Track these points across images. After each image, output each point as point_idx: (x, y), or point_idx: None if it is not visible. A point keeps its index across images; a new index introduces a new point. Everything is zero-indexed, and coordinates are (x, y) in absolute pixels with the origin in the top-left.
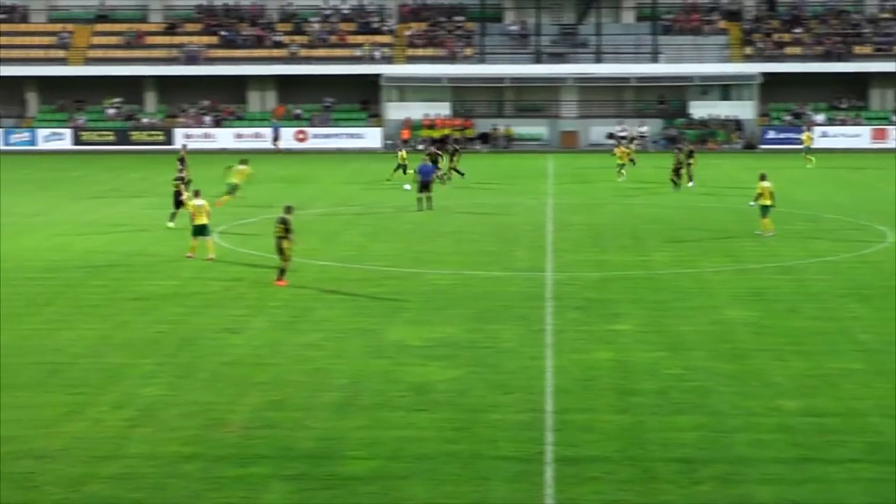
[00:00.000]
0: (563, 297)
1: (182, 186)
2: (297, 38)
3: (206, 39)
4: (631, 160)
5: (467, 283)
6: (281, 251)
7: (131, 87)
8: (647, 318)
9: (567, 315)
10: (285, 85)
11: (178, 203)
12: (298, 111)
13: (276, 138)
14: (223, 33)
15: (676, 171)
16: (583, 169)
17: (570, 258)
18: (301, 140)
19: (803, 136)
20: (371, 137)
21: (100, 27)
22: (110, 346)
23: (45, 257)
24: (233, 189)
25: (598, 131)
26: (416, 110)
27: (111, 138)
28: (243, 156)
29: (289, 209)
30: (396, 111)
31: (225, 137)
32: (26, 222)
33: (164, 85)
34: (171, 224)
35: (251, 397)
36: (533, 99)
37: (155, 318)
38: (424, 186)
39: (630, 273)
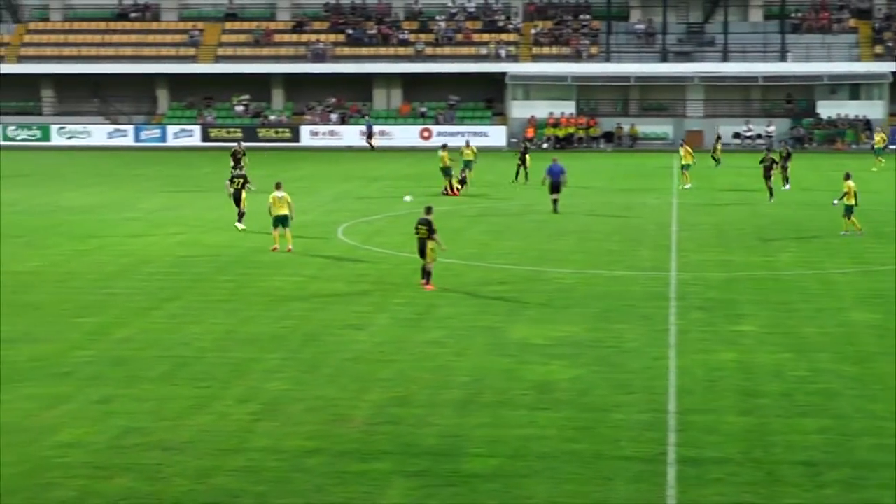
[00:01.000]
0: (686, 296)
1: (241, 184)
2: (422, 36)
3: (332, 37)
4: (715, 159)
5: (591, 282)
6: (424, 253)
7: (259, 85)
8: (771, 319)
9: (691, 315)
10: (410, 83)
11: (239, 201)
12: (423, 109)
13: (369, 136)
14: (350, 31)
15: (767, 174)
16: (708, 168)
17: (695, 258)
18: (425, 138)
19: (876, 138)
20: (495, 135)
21: (229, 25)
22: (236, 341)
23: (172, 252)
24: (465, 167)
25: (724, 131)
26: (540, 109)
27: (239, 135)
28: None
29: (429, 210)
30: (521, 109)
31: (350, 135)
32: (153, 218)
33: (292, 82)
34: (240, 226)
35: (374, 393)
36: (658, 98)
37: (280, 314)
38: (555, 188)
39: (755, 273)
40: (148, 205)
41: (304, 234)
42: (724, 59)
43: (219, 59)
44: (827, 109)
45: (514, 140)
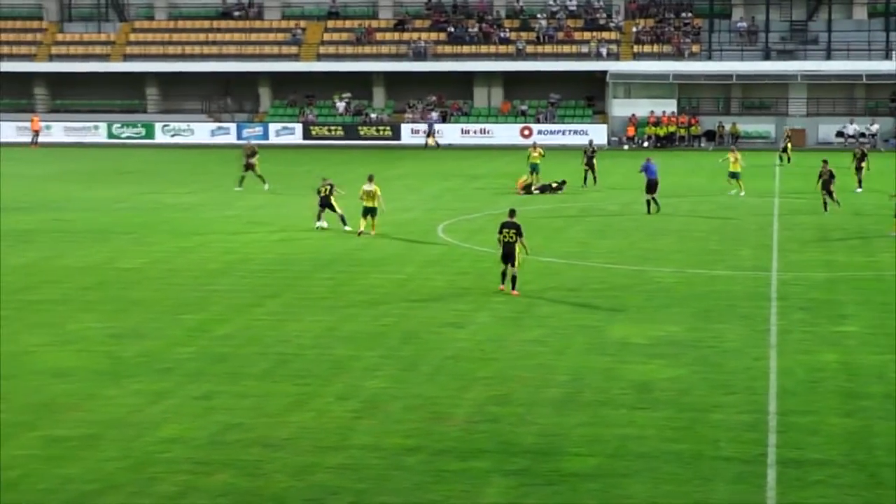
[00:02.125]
0: (788, 297)
1: (329, 191)
2: (523, 34)
3: (433, 36)
4: (782, 158)
5: (691, 281)
6: (512, 258)
7: (360, 83)
8: (874, 320)
9: (792, 315)
10: (511, 81)
11: (326, 203)
12: (524, 107)
13: (429, 134)
14: (451, 30)
15: (826, 186)
16: (811, 168)
17: (796, 258)
18: (525, 136)
19: None
20: (596, 134)
21: (331, 24)
22: (336, 339)
23: (272, 250)
24: (532, 171)
25: (826, 129)
26: (641, 107)
27: (340, 133)
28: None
29: (513, 212)
30: (622, 108)
31: (451, 133)
32: (253, 215)
33: (392, 80)
34: (322, 224)
35: (473, 392)
36: (760, 96)
37: (379, 312)
38: (651, 187)
39: (857, 274)
40: (249, 202)
41: (403, 233)
42: (828, 57)
43: (320, 57)
44: None
45: (614, 139)
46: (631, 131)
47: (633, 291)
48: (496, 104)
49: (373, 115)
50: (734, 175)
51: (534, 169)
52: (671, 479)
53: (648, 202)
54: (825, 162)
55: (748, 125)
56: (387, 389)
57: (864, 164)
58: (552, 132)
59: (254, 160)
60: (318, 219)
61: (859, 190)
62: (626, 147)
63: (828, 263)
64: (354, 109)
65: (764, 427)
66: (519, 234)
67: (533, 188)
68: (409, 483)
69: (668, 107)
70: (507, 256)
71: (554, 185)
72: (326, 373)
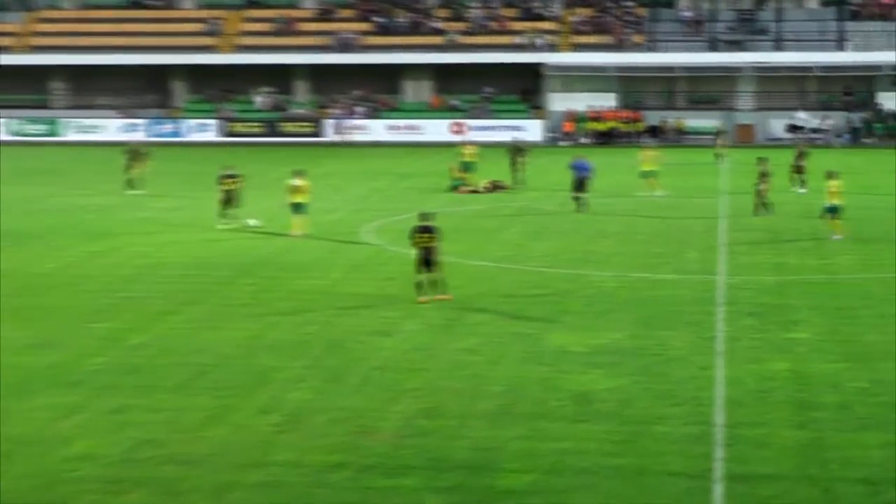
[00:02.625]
0: (736, 301)
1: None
2: (455, 24)
3: (360, 26)
4: (717, 156)
5: (633, 285)
6: (431, 263)
7: (282, 76)
8: (828, 326)
9: (741, 321)
10: (442, 74)
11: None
12: (455, 102)
13: (338, 130)
14: (378, 19)
15: (760, 192)
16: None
17: (745, 260)
18: (457, 132)
19: None
20: (532, 130)
21: (251, 13)
22: (257, 348)
23: (189, 253)
24: (464, 169)
25: (776, 124)
26: (580, 101)
27: (260, 129)
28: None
29: (426, 216)
30: (560, 102)
31: (378, 129)
32: (169, 217)
33: (316, 74)
34: (226, 224)
35: (402, 404)
36: (707, 90)
37: (304, 319)
38: (579, 185)
39: (809, 277)
40: (164, 203)
41: (329, 235)
42: (778, 48)
43: (240, 48)
44: (889, 101)
45: (551, 135)
46: (569, 127)
47: (571, 297)
48: (426, 99)
49: (295, 111)
50: (649, 174)
51: (467, 168)
52: (613, 495)
53: (576, 199)
54: (760, 160)
55: (694, 120)
56: (310, 402)
57: (803, 164)
58: (486, 128)
59: (138, 161)
60: (223, 216)
61: (802, 191)
62: (563, 143)
63: (778, 266)
64: (275, 104)
65: (711, 440)
66: (435, 238)
67: (463, 188)
68: (335, 501)
69: (609, 101)
70: (426, 262)
71: (483, 188)
72: (247, 385)
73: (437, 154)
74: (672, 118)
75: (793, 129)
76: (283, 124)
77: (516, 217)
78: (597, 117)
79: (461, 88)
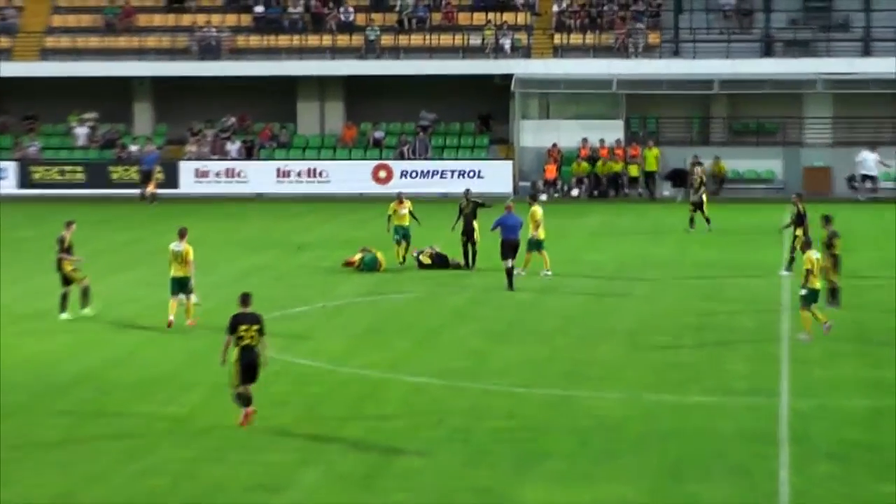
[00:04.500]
0: (808, 438)
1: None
2: (378, 17)
3: (230, 19)
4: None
5: (650, 413)
6: (253, 370)
7: (113, 95)
8: None
9: (815, 468)
10: (358, 92)
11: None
12: (379, 134)
13: (147, 179)
14: (259, 10)
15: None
16: (843, 230)
17: (821, 374)
18: (382, 181)
19: None
20: (495, 177)
21: (64, 2)
22: None
23: None
24: (400, 238)
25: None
26: (567, 133)
27: (80, 177)
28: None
29: (247, 299)
30: (536, 134)
31: (261, 176)
32: None
33: (165, 92)
34: (66, 315)
35: None
36: (758, 115)
37: (145, 467)
38: (509, 248)
39: None
40: None
41: (186, 337)
42: (865, 51)
43: (47, 54)
44: None
45: (523, 184)
46: (551, 172)
47: (556, 431)
48: (335, 129)
49: (133, 148)
50: (536, 245)
51: (403, 235)
52: None
53: (509, 274)
54: (827, 221)
55: (739, 161)
56: None
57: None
58: (425, 174)
59: None
60: (63, 309)
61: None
62: (543, 197)
63: (872, 384)
64: (104, 138)
65: None
66: (261, 331)
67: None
68: None
69: (611, 131)
70: (250, 368)
71: (421, 256)
72: None
73: (351, 213)
74: (706, 158)
75: (862, 179)
76: (114, 169)
77: (471, 307)
78: (591, 156)
79: (387, 114)
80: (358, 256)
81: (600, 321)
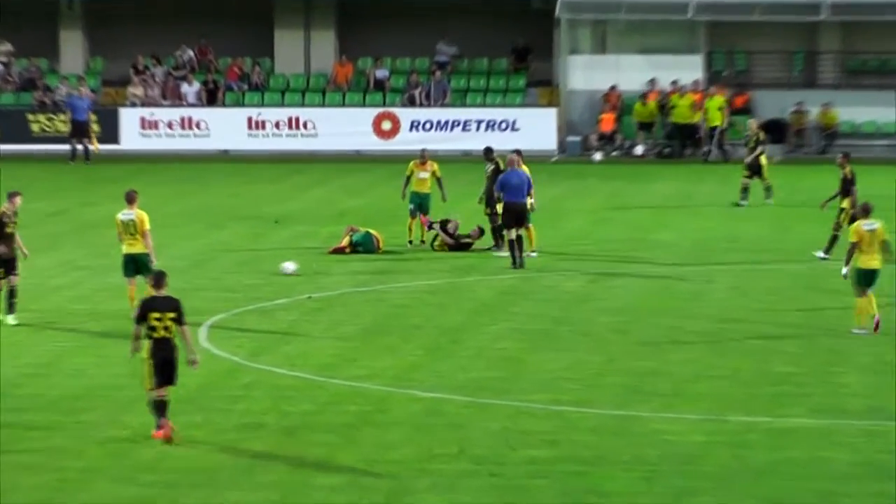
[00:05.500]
0: None
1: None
2: None
3: None
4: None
5: (737, 440)
6: (173, 370)
7: (34, 21)
8: None
9: None
10: (354, 18)
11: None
12: (382, 73)
13: (82, 132)
14: None
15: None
16: None
17: None
18: (386, 134)
19: None
20: (535, 130)
21: None
22: None
23: None
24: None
25: None
26: (630, 72)
27: None
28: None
29: (160, 279)
30: (589, 74)
31: (227, 127)
32: None
33: (101, 16)
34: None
35: None
36: (880, 49)
37: None
38: (514, 216)
39: None
40: None
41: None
42: None
43: None
44: None
45: (571, 139)
46: (607, 123)
47: (613, 463)
48: (323, 66)
49: (60, 90)
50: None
51: (419, 205)
52: None
53: (512, 247)
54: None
55: (856, 109)
56: None
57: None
58: (442, 126)
59: None
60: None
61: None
62: (597, 157)
63: None
64: (21, 77)
65: None
66: (180, 319)
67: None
68: None
69: (688, 71)
70: (166, 366)
71: (449, 232)
72: None
73: (347, 175)
74: (813, 105)
75: None
76: (35, 118)
77: (502, 300)
78: (661, 102)
79: (391, 46)
80: (346, 239)
81: (671, 319)
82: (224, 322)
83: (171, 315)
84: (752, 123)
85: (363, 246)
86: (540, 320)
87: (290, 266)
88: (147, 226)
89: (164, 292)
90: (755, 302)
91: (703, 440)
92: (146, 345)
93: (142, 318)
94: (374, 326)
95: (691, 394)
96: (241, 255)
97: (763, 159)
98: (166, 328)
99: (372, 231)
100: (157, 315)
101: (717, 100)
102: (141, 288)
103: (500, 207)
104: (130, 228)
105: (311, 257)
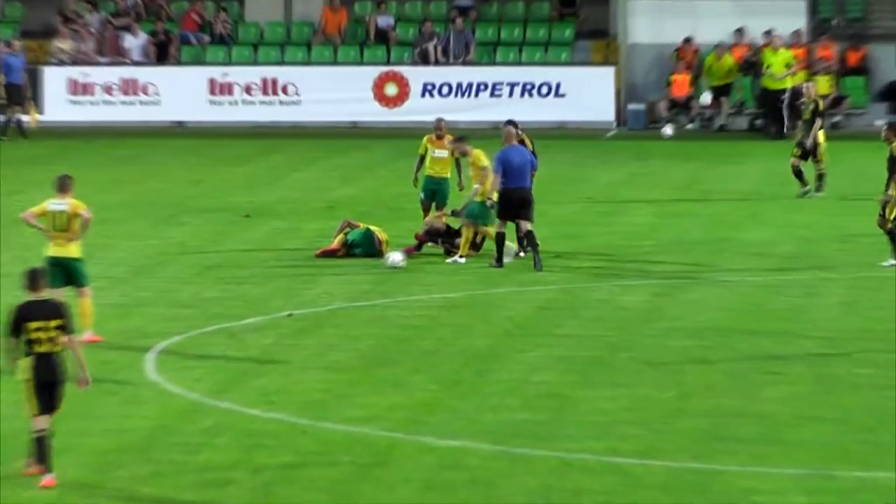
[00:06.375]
0: None
1: None
2: None
3: None
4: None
5: (848, 499)
6: (58, 391)
7: None
8: None
9: None
10: None
11: None
12: (386, 21)
13: (16, 99)
14: None
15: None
16: None
17: None
18: (391, 101)
19: None
20: (586, 94)
21: None
22: None
23: None
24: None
25: None
26: (711, 21)
27: None
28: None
29: (37, 276)
30: (656, 23)
31: (183, 93)
32: None
33: None
34: None
35: None
36: None
37: None
38: (514, 204)
39: None
40: None
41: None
42: None
43: None
44: None
45: (633, 107)
46: (681, 87)
47: None
48: (308, 12)
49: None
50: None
51: (434, 193)
52: None
53: (521, 241)
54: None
55: None
56: None
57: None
58: (465, 90)
59: None
60: None
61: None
62: (667, 130)
63: None
64: None
65: None
66: (65, 328)
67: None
68: None
69: (787, 19)
70: (49, 390)
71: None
72: None
73: (340, 155)
74: None
75: None
76: None
77: (541, 318)
78: (749, 60)
79: None
80: (339, 238)
81: (763, 344)
82: (178, 347)
83: (56, 323)
84: (811, 88)
85: (361, 247)
86: (591, 345)
87: (397, 257)
88: (86, 214)
89: (43, 295)
90: (872, 322)
91: (805, 501)
92: (26, 362)
93: (16, 328)
94: (375, 353)
95: (789, 441)
96: (201, 259)
97: (821, 136)
98: (51, 340)
99: (372, 228)
100: (37, 325)
101: (784, 54)
102: (70, 302)
103: (495, 196)
104: (61, 224)
105: (293, 262)
